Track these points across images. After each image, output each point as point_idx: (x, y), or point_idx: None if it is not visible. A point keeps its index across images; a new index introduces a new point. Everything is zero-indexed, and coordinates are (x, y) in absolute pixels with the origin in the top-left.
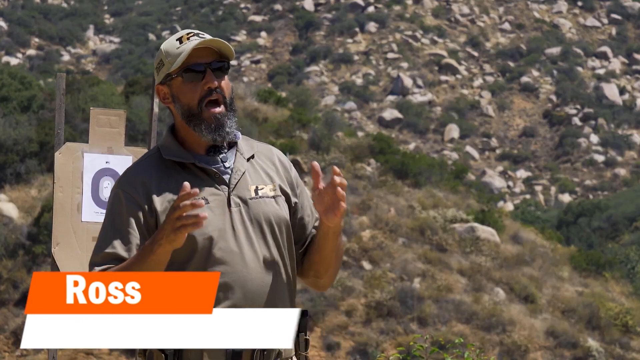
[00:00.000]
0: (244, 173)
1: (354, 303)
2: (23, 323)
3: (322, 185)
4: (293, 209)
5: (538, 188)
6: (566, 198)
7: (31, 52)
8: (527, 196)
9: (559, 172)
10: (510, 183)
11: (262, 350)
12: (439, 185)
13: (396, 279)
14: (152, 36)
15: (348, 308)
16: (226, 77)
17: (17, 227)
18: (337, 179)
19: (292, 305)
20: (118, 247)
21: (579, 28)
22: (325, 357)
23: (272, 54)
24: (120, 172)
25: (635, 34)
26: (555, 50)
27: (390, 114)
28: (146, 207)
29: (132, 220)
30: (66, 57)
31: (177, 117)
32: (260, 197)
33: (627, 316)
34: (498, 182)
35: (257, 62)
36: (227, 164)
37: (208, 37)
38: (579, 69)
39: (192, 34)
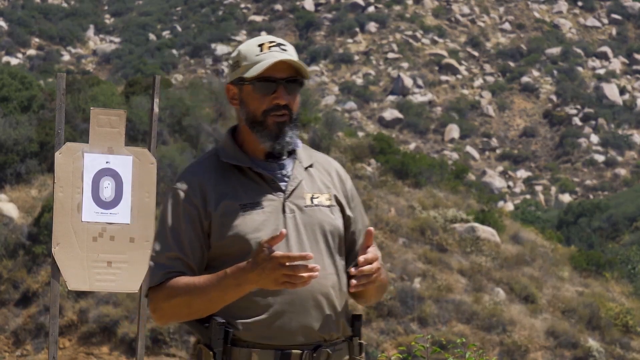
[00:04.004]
0: (300, 181)
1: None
2: (23, 323)
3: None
4: (346, 222)
5: (538, 188)
6: (566, 198)
7: (31, 52)
8: (528, 196)
9: (559, 172)
10: (511, 183)
11: (312, 352)
12: (439, 185)
13: (396, 279)
14: (152, 36)
15: None
16: (297, 93)
17: (17, 227)
18: (366, 268)
19: (344, 311)
20: (177, 248)
21: (579, 28)
22: None
23: None
24: (121, 172)
25: (635, 34)
26: (555, 50)
27: (390, 114)
28: (202, 209)
29: (189, 222)
30: (66, 57)
31: (240, 119)
32: (315, 205)
33: (628, 316)
34: (498, 182)
35: None
36: (284, 171)
37: (289, 49)
38: (579, 69)
39: (274, 44)
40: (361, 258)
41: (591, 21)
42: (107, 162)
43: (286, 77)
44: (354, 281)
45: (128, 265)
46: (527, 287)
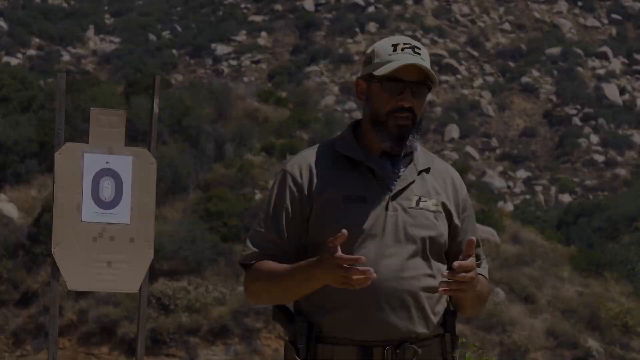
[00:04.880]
0: (411, 183)
1: None
2: (23, 323)
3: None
4: (453, 231)
5: (538, 188)
6: (566, 198)
7: (31, 52)
8: (527, 196)
9: (559, 172)
10: (511, 183)
11: (394, 349)
12: None
13: None
14: (152, 36)
15: None
16: (424, 98)
17: (17, 227)
18: (459, 275)
19: (440, 313)
20: (274, 231)
21: (579, 28)
22: None
23: (272, 54)
24: (121, 173)
25: (635, 34)
26: (555, 51)
27: None
28: (307, 194)
29: (290, 204)
30: (66, 57)
31: (364, 114)
32: (420, 208)
33: (627, 316)
34: (498, 182)
35: (258, 62)
36: (396, 170)
37: (423, 53)
38: (579, 69)
39: (408, 46)
40: (456, 263)
41: (591, 21)
42: (107, 162)
43: (414, 80)
44: (443, 283)
45: (128, 266)
46: (527, 287)
